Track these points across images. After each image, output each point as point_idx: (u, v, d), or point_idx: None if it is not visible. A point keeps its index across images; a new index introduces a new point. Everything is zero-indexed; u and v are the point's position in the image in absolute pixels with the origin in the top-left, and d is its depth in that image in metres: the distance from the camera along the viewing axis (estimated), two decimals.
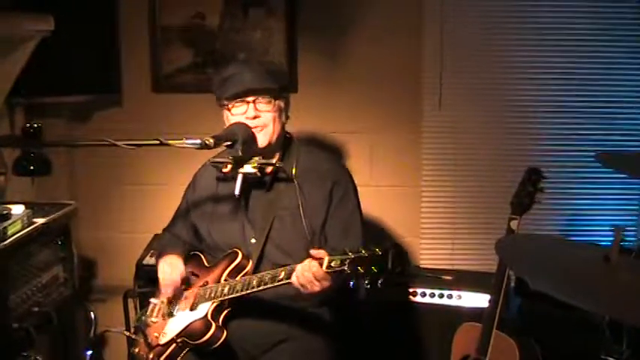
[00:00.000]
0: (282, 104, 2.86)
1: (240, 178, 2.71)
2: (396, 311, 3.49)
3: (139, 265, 3.60)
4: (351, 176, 3.04)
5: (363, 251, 2.41)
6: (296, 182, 2.83)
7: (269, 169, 2.82)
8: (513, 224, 3.04)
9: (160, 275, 2.94)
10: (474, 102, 3.88)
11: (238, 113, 2.80)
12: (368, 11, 3.81)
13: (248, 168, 2.72)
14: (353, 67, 3.86)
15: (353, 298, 3.25)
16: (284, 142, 2.94)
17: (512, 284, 3.40)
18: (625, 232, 3.66)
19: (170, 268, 2.92)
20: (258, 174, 2.74)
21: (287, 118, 2.92)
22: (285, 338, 2.85)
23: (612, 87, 3.87)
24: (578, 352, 3.05)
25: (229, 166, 2.71)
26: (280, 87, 2.86)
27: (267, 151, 2.83)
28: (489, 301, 3.05)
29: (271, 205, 2.87)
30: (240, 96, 2.80)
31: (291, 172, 2.85)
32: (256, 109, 2.79)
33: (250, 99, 2.79)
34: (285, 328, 2.84)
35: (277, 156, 2.91)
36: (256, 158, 2.74)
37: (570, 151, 3.88)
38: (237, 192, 2.71)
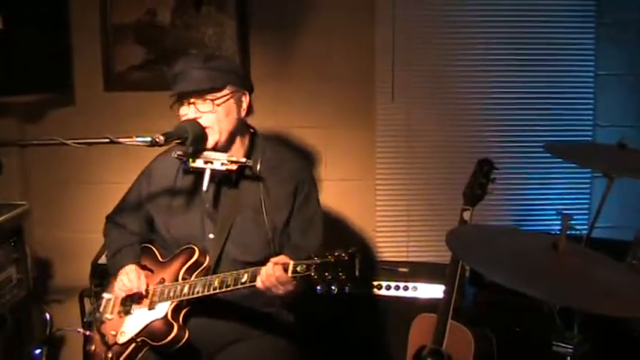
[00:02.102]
0: (231, 100, 2.80)
1: (207, 173, 2.71)
2: (353, 304, 3.49)
3: (95, 264, 3.56)
4: (313, 175, 3.06)
5: (329, 256, 2.40)
6: (261, 179, 2.83)
7: (235, 166, 2.78)
8: (466, 215, 3.08)
9: (119, 286, 2.88)
10: (427, 94, 3.92)
11: (182, 114, 2.78)
12: (320, 6, 3.82)
13: (217, 164, 2.72)
14: (305, 62, 3.87)
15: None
16: (250, 138, 2.92)
17: (467, 274, 3.45)
18: (576, 221, 3.74)
19: (131, 284, 2.86)
20: (226, 171, 2.74)
21: (248, 113, 2.87)
22: (243, 337, 2.85)
23: (560, 79, 3.96)
24: (532, 340, 3.09)
25: (197, 161, 2.71)
26: (228, 82, 2.79)
27: (222, 149, 2.80)
28: (444, 292, 3.08)
29: (235, 202, 2.86)
30: (181, 98, 2.78)
31: (257, 169, 2.82)
32: (197, 110, 2.75)
33: (191, 100, 2.75)
34: (243, 326, 2.84)
35: (243, 152, 2.88)
36: (224, 155, 2.74)
37: (521, 142, 3.94)
38: (204, 188, 2.72)
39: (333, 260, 2.38)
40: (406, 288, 3.48)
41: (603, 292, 2.10)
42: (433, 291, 3.41)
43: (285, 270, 2.48)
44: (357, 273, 2.38)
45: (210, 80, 2.75)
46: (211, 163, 2.72)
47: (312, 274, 2.41)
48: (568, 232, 2.40)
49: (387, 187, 3.97)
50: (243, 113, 2.85)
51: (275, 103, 3.83)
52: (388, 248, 3.99)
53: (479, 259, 2.15)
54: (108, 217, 3.15)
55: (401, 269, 3.61)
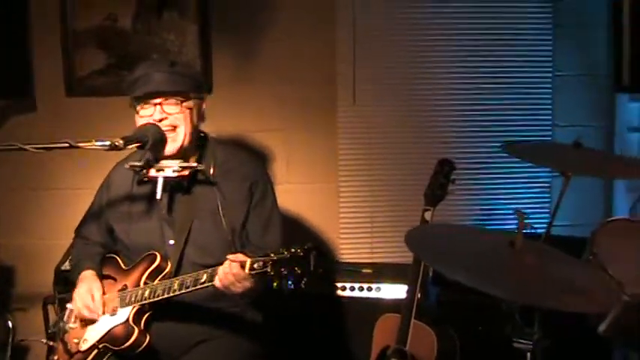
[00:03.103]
0: (192, 106, 2.84)
1: (160, 182, 2.72)
2: (317, 305, 3.52)
3: (58, 271, 3.54)
4: (268, 174, 3.08)
5: (285, 252, 2.44)
6: (215, 183, 2.84)
7: (187, 171, 2.80)
8: (427, 215, 3.11)
9: (78, 300, 2.88)
10: (388, 96, 3.95)
11: (145, 115, 2.79)
12: (280, 10, 3.84)
13: (169, 172, 2.73)
14: (267, 65, 3.88)
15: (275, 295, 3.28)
16: (200, 142, 2.94)
17: (430, 274, 3.48)
18: (536, 219, 3.81)
19: (89, 295, 2.87)
20: (179, 177, 2.75)
21: (202, 119, 2.91)
22: (206, 338, 2.85)
23: (519, 80, 4.02)
24: (494, 338, 3.13)
25: (150, 170, 2.70)
26: (191, 89, 2.84)
27: (182, 153, 2.82)
28: (407, 292, 3.10)
29: (191, 207, 2.87)
30: (146, 98, 2.79)
31: (210, 172, 2.85)
32: (163, 111, 2.77)
33: (157, 101, 2.78)
34: (206, 327, 2.85)
35: (195, 157, 2.90)
36: (176, 161, 2.75)
37: (482, 142, 3.99)
38: (158, 195, 2.72)
39: (288, 256, 2.43)
40: (370, 289, 3.50)
41: (560, 288, 2.14)
42: (397, 291, 3.43)
43: (243, 267, 2.51)
44: (312, 268, 2.41)
45: (178, 84, 2.80)
46: (163, 170, 2.72)
47: (269, 270, 2.44)
48: (528, 231, 2.45)
49: (350, 189, 4.00)
50: (200, 120, 2.91)
51: (237, 106, 3.84)
52: (352, 250, 4.01)
53: (438, 258, 2.18)
54: (75, 230, 3.17)
55: (364, 270, 3.64)
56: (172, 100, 2.79)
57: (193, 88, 2.85)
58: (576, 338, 2.96)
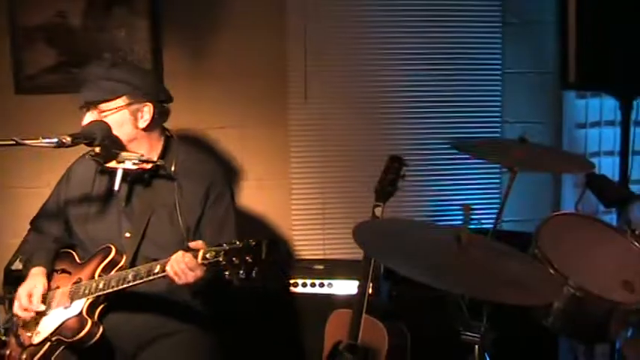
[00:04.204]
0: (125, 113, 2.84)
1: (119, 173, 2.76)
2: (271, 302, 3.55)
3: (8, 271, 3.50)
4: (227, 177, 3.13)
5: (237, 242, 2.47)
6: (175, 179, 2.87)
7: (149, 165, 2.85)
8: (377, 211, 3.14)
9: (16, 300, 2.90)
10: (339, 93, 3.97)
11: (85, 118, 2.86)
12: (231, 5, 3.83)
13: (128, 164, 2.76)
14: (219, 62, 3.87)
15: (229, 290, 3.29)
16: (164, 141, 2.97)
17: (382, 269, 3.51)
18: (484, 214, 3.86)
19: (26, 298, 2.87)
20: (139, 170, 2.80)
21: (145, 121, 2.88)
22: (163, 333, 2.86)
23: (469, 77, 4.07)
24: (444, 332, 3.16)
25: (109, 160, 2.74)
26: (126, 92, 2.84)
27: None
28: (358, 287, 3.14)
29: (149, 201, 2.90)
30: (81, 106, 2.85)
31: (171, 169, 2.88)
32: (100, 116, 2.81)
33: (89, 107, 2.83)
34: (162, 322, 2.87)
35: (158, 153, 2.93)
36: (137, 154, 2.79)
37: (433, 139, 4.03)
38: (116, 187, 2.77)
39: (241, 246, 2.46)
40: (322, 285, 3.54)
41: (505, 281, 2.19)
42: (349, 287, 3.46)
43: (195, 257, 2.53)
44: (263, 257, 2.43)
45: (104, 91, 2.83)
46: (124, 162, 2.76)
47: (221, 259, 2.47)
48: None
49: (302, 186, 4.01)
50: (143, 124, 2.89)
51: (190, 104, 3.80)
52: (304, 246, 4.02)
53: (385, 253, 2.21)
54: (31, 222, 3.17)
55: (317, 266, 3.66)
56: (104, 106, 2.82)
57: (128, 92, 2.85)
58: (523, 330, 3.00)
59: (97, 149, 2.73)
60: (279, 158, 3.97)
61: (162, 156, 2.93)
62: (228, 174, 3.08)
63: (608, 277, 2.64)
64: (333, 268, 3.63)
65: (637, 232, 2.79)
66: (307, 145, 3.99)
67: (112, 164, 2.78)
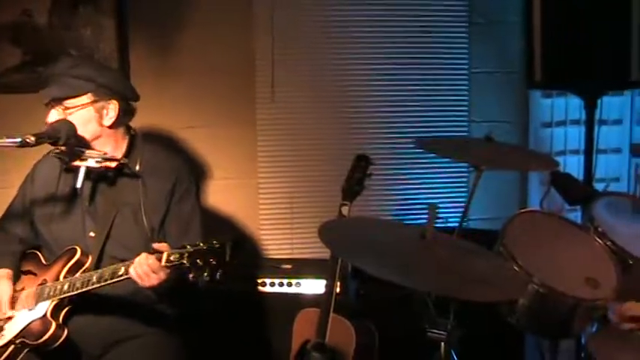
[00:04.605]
0: (89, 110, 2.84)
1: (82, 171, 2.75)
2: (239, 302, 3.54)
3: None
4: (193, 175, 3.10)
5: (201, 244, 2.47)
6: (140, 177, 2.86)
7: (113, 164, 2.83)
8: (344, 210, 3.15)
9: None
10: (306, 92, 3.98)
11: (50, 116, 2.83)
12: (198, 3, 3.82)
13: (91, 162, 2.75)
14: (186, 60, 3.85)
15: (195, 291, 3.28)
16: (129, 139, 2.96)
17: (350, 268, 3.51)
18: (451, 213, 3.88)
19: None
20: (102, 168, 2.79)
21: (110, 119, 2.88)
22: (128, 335, 2.85)
23: (436, 76, 4.09)
24: (411, 330, 3.18)
25: (74, 159, 2.73)
26: (91, 90, 2.83)
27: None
28: (325, 286, 3.14)
29: (114, 200, 2.88)
30: (46, 103, 2.83)
31: (135, 168, 2.87)
32: (65, 113, 2.80)
33: (54, 104, 2.82)
34: (127, 324, 2.86)
35: (123, 151, 2.91)
36: (101, 152, 2.79)
37: (400, 138, 4.03)
38: (78, 185, 2.76)
39: (205, 248, 2.46)
40: (290, 284, 3.53)
41: (470, 279, 2.20)
42: (317, 286, 3.46)
43: (159, 259, 2.53)
44: (227, 259, 2.44)
45: (69, 88, 2.81)
46: (86, 160, 2.75)
47: (185, 262, 2.47)
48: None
49: (270, 185, 4.00)
50: (109, 122, 2.88)
51: (156, 103, 3.78)
52: (272, 246, 4.02)
53: (351, 252, 2.21)
54: None
55: (285, 266, 3.66)
56: (69, 103, 2.80)
57: (94, 88, 2.84)
58: (489, 327, 3.02)
59: (62, 148, 2.71)
60: (246, 157, 3.96)
61: (126, 154, 2.91)
62: (195, 171, 3.06)
63: (572, 274, 2.67)
64: (301, 268, 3.63)
65: (600, 230, 2.82)
66: (275, 144, 3.98)
67: (76, 162, 2.76)
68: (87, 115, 2.83)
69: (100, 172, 2.83)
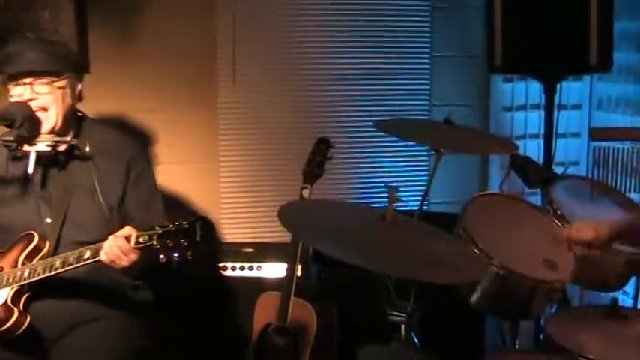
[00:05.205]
0: (66, 86, 2.80)
1: (33, 156, 2.69)
2: (200, 286, 3.52)
3: None
4: (147, 152, 3.07)
5: (171, 225, 2.46)
6: (91, 159, 2.80)
7: (63, 147, 2.78)
8: (305, 193, 3.16)
9: None
10: (268, 76, 3.96)
11: (16, 94, 2.75)
12: None
13: (41, 146, 2.69)
14: (146, 44, 3.80)
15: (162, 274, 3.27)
16: (77, 120, 2.91)
17: (311, 251, 3.52)
18: (413, 196, 3.89)
19: None
20: (52, 152, 2.72)
21: (78, 99, 2.88)
22: (88, 318, 2.81)
23: (398, 60, 4.10)
24: (372, 312, 3.20)
25: (22, 145, 2.66)
26: (66, 68, 2.80)
27: (58, 134, 2.78)
28: (286, 269, 3.15)
29: (67, 184, 2.83)
30: (17, 77, 2.74)
31: (86, 149, 2.80)
32: (34, 91, 2.73)
33: (28, 80, 2.73)
34: (88, 308, 2.82)
35: (71, 134, 2.86)
36: (49, 136, 2.72)
37: (362, 121, 4.04)
38: (30, 170, 2.70)
39: (174, 228, 2.45)
40: (251, 268, 3.53)
41: (430, 261, 2.21)
42: (278, 270, 3.46)
43: (128, 241, 2.51)
44: (198, 238, 2.43)
45: (51, 63, 2.76)
46: (36, 145, 2.69)
47: (155, 243, 2.46)
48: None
49: (231, 169, 3.99)
50: (76, 100, 2.86)
51: (116, 86, 3.75)
52: (234, 230, 4.00)
53: (310, 234, 2.21)
54: None
55: (246, 250, 3.65)
56: (44, 80, 2.74)
57: (68, 67, 2.81)
58: (450, 309, 3.04)
59: (13, 135, 2.63)
60: (207, 140, 3.93)
61: (75, 136, 2.86)
62: (154, 155, 3.02)
63: (531, 256, 2.70)
64: (263, 251, 3.62)
65: (559, 212, 2.86)
66: (236, 127, 3.96)
67: (26, 147, 2.69)
68: (65, 93, 2.79)
69: (51, 156, 2.77)
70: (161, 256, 2.46)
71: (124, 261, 2.55)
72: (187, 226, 2.45)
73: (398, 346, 2.66)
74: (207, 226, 2.49)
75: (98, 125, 2.98)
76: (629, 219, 2.75)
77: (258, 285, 3.44)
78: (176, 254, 2.44)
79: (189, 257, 2.45)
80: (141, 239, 2.50)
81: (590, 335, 2.71)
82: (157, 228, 2.47)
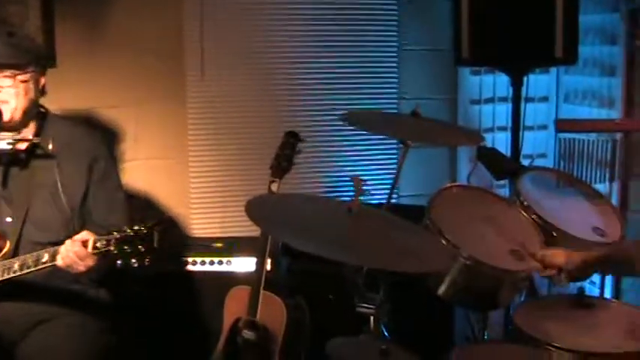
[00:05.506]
0: (29, 79, 2.75)
1: None
2: (170, 282, 3.51)
3: None
4: (111, 149, 3.03)
5: (129, 230, 2.43)
6: (54, 157, 2.76)
7: (24, 145, 2.74)
8: (274, 187, 3.15)
9: None
10: (236, 70, 3.95)
11: None
12: None
13: (2, 144, 2.66)
14: (114, 39, 3.78)
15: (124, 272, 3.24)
16: (39, 117, 2.86)
17: (281, 245, 3.52)
18: (382, 188, 3.90)
19: None
20: (14, 150, 2.69)
21: (42, 93, 2.84)
22: (50, 316, 2.79)
23: (366, 53, 4.12)
24: (342, 305, 3.21)
25: None
26: (29, 61, 2.75)
27: (14, 127, 2.74)
28: (256, 263, 3.14)
29: (29, 183, 2.80)
30: None
31: (49, 147, 2.77)
32: None
33: None
34: (47, 306, 2.79)
35: (32, 131, 2.82)
36: (10, 134, 2.68)
37: (331, 114, 4.02)
38: None
39: (132, 234, 2.42)
40: (221, 262, 3.52)
41: (397, 251, 2.22)
42: (248, 264, 3.45)
43: (85, 246, 2.47)
44: (155, 245, 2.40)
45: (15, 56, 2.71)
46: None
47: (112, 248, 2.43)
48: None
49: (200, 164, 3.98)
50: (39, 95, 2.82)
51: (83, 81, 3.72)
52: (203, 225, 4.00)
53: (278, 226, 2.21)
54: None
55: (216, 244, 3.64)
56: (7, 73, 2.70)
57: (32, 60, 2.77)
58: (419, 301, 3.06)
59: None
60: (176, 135, 3.92)
61: (37, 133, 2.82)
62: (114, 149, 2.97)
63: (498, 247, 2.73)
64: (233, 246, 3.61)
65: (525, 203, 2.89)
66: (205, 122, 3.95)
67: None
68: (28, 87, 2.75)
69: (11, 154, 2.73)
70: (118, 261, 2.44)
71: (81, 266, 2.52)
72: (146, 232, 2.42)
73: (366, 338, 2.66)
74: (166, 232, 2.47)
75: (61, 122, 2.94)
76: (605, 250, 2.80)
77: (229, 280, 3.42)
78: (133, 260, 2.42)
79: (147, 264, 2.43)
80: (98, 244, 2.47)
81: (557, 324, 2.75)
82: (114, 233, 2.44)
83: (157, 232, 2.43)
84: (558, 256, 2.57)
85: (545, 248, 2.68)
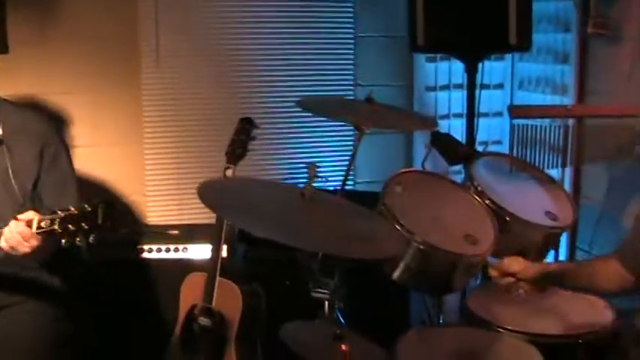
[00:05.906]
0: None
1: None
2: (126, 269, 3.49)
3: None
4: (61, 136, 2.99)
5: (73, 209, 2.38)
6: (3, 143, 2.73)
7: None
8: (229, 173, 3.15)
9: None
10: (191, 57, 3.94)
11: None
12: None
13: None
14: (67, 26, 3.74)
15: (76, 260, 3.21)
16: None
17: (237, 231, 3.52)
18: (337, 174, 3.90)
19: None
20: None
21: None
22: (8, 304, 2.76)
23: (322, 40, 4.14)
24: (298, 291, 3.21)
25: None
26: None
27: None
28: (211, 250, 3.14)
29: None
30: None
31: None
32: None
33: None
34: (1, 294, 2.75)
35: None
36: None
37: (287, 101, 4.04)
38: None
39: (76, 212, 2.37)
40: (177, 249, 3.51)
41: (350, 237, 2.23)
42: (205, 251, 3.44)
43: (29, 226, 2.43)
44: (100, 222, 2.36)
45: None
46: None
47: (56, 227, 2.37)
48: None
49: (156, 151, 3.96)
50: None
51: (36, 68, 3.68)
52: (159, 212, 3.99)
53: (231, 210, 2.21)
54: None
55: (171, 232, 3.63)
56: None
57: None
58: (374, 286, 3.08)
59: None
60: (131, 122, 3.90)
61: None
62: (65, 133, 2.92)
63: (452, 232, 2.74)
64: (189, 233, 3.61)
65: (479, 189, 2.91)
66: (160, 108, 3.93)
67: None
68: None
69: None
70: (63, 240, 2.39)
71: (26, 247, 2.46)
72: (90, 209, 2.37)
73: (321, 323, 2.67)
74: (111, 209, 2.43)
75: (10, 107, 2.89)
76: (561, 264, 2.83)
77: (185, 267, 3.39)
78: (78, 239, 2.38)
79: (92, 242, 2.39)
80: (42, 224, 2.41)
81: (508, 307, 2.80)
82: (59, 212, 2.39)
83: (102, 208, 2.37)
84: (516, 263, 2.59)
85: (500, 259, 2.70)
